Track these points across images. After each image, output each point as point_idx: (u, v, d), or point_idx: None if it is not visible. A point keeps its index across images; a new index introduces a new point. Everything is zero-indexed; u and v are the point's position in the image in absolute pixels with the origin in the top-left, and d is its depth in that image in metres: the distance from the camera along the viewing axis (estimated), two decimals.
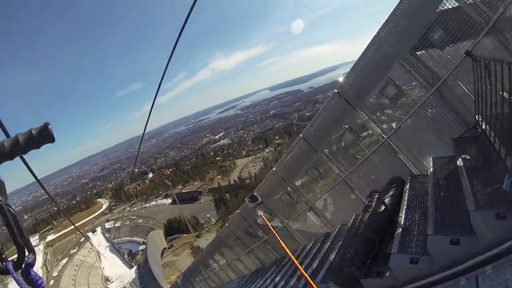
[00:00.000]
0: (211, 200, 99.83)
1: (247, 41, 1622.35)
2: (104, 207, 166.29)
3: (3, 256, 1.09)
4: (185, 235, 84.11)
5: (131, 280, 68.12)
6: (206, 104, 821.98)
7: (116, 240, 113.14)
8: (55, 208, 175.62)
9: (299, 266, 7.09)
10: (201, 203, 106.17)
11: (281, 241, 7.65)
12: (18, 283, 0.98)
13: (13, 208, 1.14)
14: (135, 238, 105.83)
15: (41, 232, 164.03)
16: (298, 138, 10.68)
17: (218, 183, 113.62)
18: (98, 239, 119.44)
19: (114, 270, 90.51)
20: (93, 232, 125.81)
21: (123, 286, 66.46)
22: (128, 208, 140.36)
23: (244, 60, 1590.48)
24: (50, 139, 1.15)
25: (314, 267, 8.79)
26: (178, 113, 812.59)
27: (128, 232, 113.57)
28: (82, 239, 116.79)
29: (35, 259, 1.15)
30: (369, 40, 7.81)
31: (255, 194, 9.37)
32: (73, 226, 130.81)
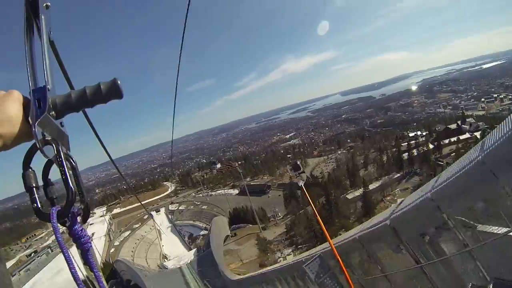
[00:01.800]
0: (279, 195, 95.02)
1: (318, 45, 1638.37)
2: (170, 190, 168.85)
3: (54, 200, 1.06)
4: (250, 225, 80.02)
5: (189, 261, 65.72)
6: (277, 104, 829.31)
7: (178, 222, 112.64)
8: (124, 187, 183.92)
9: None
10: (269, 196, 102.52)
11: None
12: (55, 233, 0.94)
13: (74, 159, 1.13)
14: (197, 223, 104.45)
15: (109, 204, 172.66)
16: None
17: (290, 177, 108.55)
18: (161, 218, 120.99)
19: (173, 250, 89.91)
20: (157, 212, 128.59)
21: (179, 266, 63.88)
22: (193, 194, 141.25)
23: (315, 63, 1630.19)
24: (118, 95, 1.14)
25: None
26: (249, 111, 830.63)
27: (191, 216, 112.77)
28: (146, 216, 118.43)
29: (87, 211, 1.11)
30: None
31: (298, 162, 9.17)
32: (138, 204, 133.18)
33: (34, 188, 0.99)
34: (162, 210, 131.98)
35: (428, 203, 5.24)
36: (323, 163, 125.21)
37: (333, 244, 9.01)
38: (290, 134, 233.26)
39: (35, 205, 0.97)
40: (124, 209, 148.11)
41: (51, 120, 1.09)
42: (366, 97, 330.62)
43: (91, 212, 1.20)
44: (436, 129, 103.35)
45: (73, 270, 0.92)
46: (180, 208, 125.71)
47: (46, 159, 1.07)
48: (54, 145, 1.03)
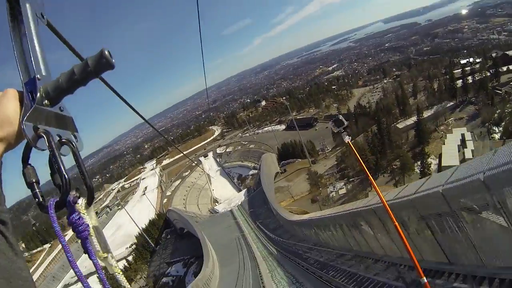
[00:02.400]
0: (326, 127, 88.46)
1: None
2: (216, 133, 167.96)
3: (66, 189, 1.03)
4: (299, 160, 75.72)
5: (239, 203, 64.39)
6: (317, 37, 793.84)
7: (227, 164, 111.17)
8: (172, 137, 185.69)
9: None
10: (316, 129, 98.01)
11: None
12: (52, 223, 0.95)
13: (75, 143, 1.12)
14: (245, 163, 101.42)
15: (158, 157, 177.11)
16: None
17: (338, 108, 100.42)
18: (209, 163, 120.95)
19: (223, 193, 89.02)
20: (205, 157, 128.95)
21: (229, 209, 62.98)
22: (240, 134, 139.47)
23: None
24: (109, 66, 1.08)
25: None
26: (289, 46, 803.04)
27: (239, 157, 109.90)
28: (195, 163, 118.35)
29: (91, 194, 1.08)
30: None
31: (340, 117, 8.45)
32: (186, 152, 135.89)
33: (35, 183, 1.00)
34: (210, 154, 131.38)
35: None
36: (369, 93, 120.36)
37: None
38: (333, 66, 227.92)
39: (37, 199, 0.98)
40: (173, 159, 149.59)
41: (44, 110, 1.07)
42: (410, 23, 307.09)
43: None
44: (492, 55, 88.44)
45: (70, 259, 0.92)
46: (227, 150, 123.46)
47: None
48: (45, 138, 1.01)
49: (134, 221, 65.92)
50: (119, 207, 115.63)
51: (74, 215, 0.99)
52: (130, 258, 65.79)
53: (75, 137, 1.16)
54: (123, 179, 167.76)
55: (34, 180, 1.00)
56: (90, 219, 1.03)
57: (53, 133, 1.05)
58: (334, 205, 45.83)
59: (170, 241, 66.70)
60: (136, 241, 70.42)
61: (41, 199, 0.98)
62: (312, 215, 24.64)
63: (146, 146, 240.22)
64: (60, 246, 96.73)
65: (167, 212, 74.03)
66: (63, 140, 1.09)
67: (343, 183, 58.53)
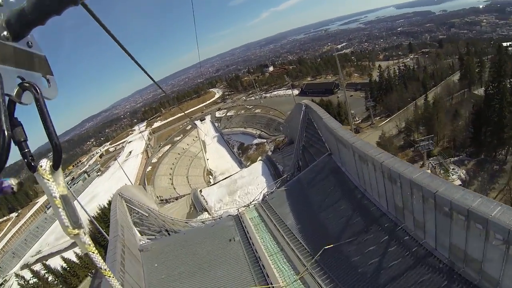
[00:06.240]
0: (351, 95, 79.10)
1: None
2: (217, 96, 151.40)
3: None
4: None
5: (260, 195, 40.97)
6: (326, 16, 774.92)
7: (227, 130, 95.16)
8: (166, 101, 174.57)
9: None
10: (338, 97, 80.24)
11: None
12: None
13: (39, 88, 0.92)
14: (249, 130, 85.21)
15: (149, 119, 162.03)
16: None
17: (370, 74, 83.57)
18: (205, 128, 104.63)
19: (219, 164, 74.19)
20: (201, 121, 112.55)
21: (237, 211, 40.31)
22: (244, 98, 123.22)
23: None
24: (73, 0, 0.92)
25: None
26: (297, 22, 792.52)
27: (242, 122, 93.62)
28: (189, 127, 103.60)
29: (57, 155, 0.93)
30: None
31: None
32: (180, 114, 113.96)
33: (23, 142, 0.87)
34: (208, 118, 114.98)
35: None
36: (394, 66, 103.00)
37: None
38: (342, 44, 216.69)
39: (26, 160, 0.86)
40: (165, 121, 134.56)
41: (1, 44, 0.89)
42: (424, 11, 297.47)
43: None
44: None
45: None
46: (228, 114, 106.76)
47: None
48: None
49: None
50: (98, 174, 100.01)
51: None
52: None
53: (48, 81, 1.00)
54: (109, 142, 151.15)
55: (23, 139, 0.87)
56: (56, 186, 0.89)
57: (11, 74, 0.87)
58: None
59: None
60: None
61: (30, 160, 0.87)
62: None
63: (143, 110, 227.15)
64: (28, 215, 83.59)
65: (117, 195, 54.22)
66: (25, 83, 0.90)
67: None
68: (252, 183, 36.41)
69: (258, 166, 41.96)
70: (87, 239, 0.95)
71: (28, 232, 74.14)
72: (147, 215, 22.68)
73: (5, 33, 0.87)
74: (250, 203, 26.35)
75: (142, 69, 4.83)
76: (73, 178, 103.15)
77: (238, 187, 36.83)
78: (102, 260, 1.08)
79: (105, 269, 1.09)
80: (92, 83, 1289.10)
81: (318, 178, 22.68)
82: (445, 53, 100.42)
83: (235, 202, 33.85)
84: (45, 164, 0.87)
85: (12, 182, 0.86)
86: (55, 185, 0.88)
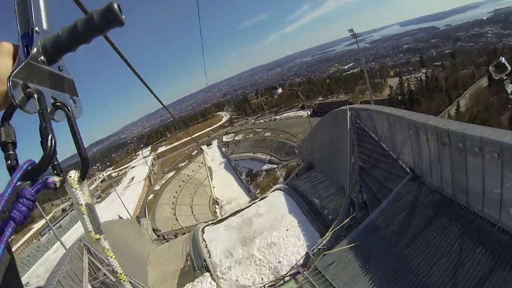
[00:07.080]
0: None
1: None
2: (224, 119, 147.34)
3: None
4: None
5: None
6: (332, 36, 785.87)
7: (234, 155, 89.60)
8: (173, 123, 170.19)
9: None
10: None
11: None
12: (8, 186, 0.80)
13: (70, 107, 1.02)
14: (258, 155, 79.75)
15: (154, 144, 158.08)
16: None
17: (391, 87, 79.68)
18: (212, 153, 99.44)
19: (226, 192, 69.12)
20: (208, 146, 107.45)
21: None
22: (252, 121, 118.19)
23: None
24: (117, 21, 0.95)
25: None
26: (303, 44, 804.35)
27: (251, 147, 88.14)
28: (194, 152, 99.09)
29: (85, 167, 1.00)
30: None
31: (503, 60, 6.34)
32: (186, 139, 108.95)
33: (10, 144, 0.87)
34: (214, 142, 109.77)
35: None
36: (407, 82, 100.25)
37: None
38: (349, 65, 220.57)
39: (9, 162, 0.85)
40: (170, 146, 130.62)
41: (39, 67, 0.95)
42: (429, 27, 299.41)
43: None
44: None
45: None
46: (236, 138, 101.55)
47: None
48: (36, 97, 0.88)
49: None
50: (98, 200, 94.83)
51: (35, 187, 0.84)
52: None
53: (74, 102, 1.06)
54: (112, 167, 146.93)
55: (10, 141, 0.86)
56: (82, 195, 0.96)
57: (47, 94, 0.93)
58: None
59: None
60: None
61: (14, 162, 0.85)
62: None
63: (148, 135, 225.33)
64: (21, 242, 77.95)
65: (138, 220, 46.37)
66: (58, 103, 0.98)
67: None
68: (276, 227, 23.92)
69: (278, 199, 28.06)
70: (106, 244, 1.02)
71: (19, 261, 68.25)
72: (114, 280, 15.68)
73: (42, 57, 0.94)
74: (286, 274, 16.96)
75: (155, 95, 5.15)
76: (72, 204, 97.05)
77: (256, 232, 24.41)
78: (118, 265, 1.17)
79: (121, 273, 1.19)
80: (102, 107, 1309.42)
81: (417, 222, 12.56)
82: (461, 63, 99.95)
83: (253, 261, 21.74)
84: (74, 174, 0.92)
85: (55, 179, 0.89)
86: (82, 194, 0.94)
